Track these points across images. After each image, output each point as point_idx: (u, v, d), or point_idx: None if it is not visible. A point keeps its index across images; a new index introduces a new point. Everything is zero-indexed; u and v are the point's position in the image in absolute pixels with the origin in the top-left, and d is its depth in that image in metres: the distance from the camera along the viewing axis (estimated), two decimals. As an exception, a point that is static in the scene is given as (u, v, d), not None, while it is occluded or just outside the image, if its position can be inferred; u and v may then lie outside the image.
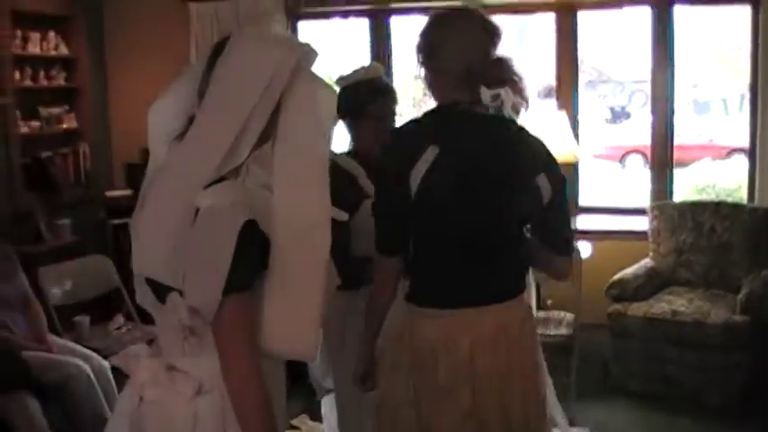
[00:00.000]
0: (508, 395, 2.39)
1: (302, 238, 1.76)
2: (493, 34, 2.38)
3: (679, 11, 5.82)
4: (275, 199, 1.76)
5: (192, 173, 1.76)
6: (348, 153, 3.13)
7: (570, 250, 2.56)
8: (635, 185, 10.41)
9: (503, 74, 2.35)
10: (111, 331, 4.86)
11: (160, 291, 1.79)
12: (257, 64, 1.78)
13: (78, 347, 4.34)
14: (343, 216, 1.92)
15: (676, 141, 5.97)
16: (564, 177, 2.48)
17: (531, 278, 3.65)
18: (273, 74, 1.77)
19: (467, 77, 2.30)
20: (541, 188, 2.36)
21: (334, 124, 1.88)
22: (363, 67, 3.17)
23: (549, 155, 2.45)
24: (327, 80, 1.99)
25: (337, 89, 3.14)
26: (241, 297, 1.70)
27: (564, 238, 2.53)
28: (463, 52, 2.33)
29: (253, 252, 1.70)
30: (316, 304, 1.80)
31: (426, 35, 2.41)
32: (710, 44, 15.53)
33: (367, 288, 2.77)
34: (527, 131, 2.42)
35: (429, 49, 2.40)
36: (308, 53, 1.87)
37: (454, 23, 2.38)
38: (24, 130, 5.68)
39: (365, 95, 3.04)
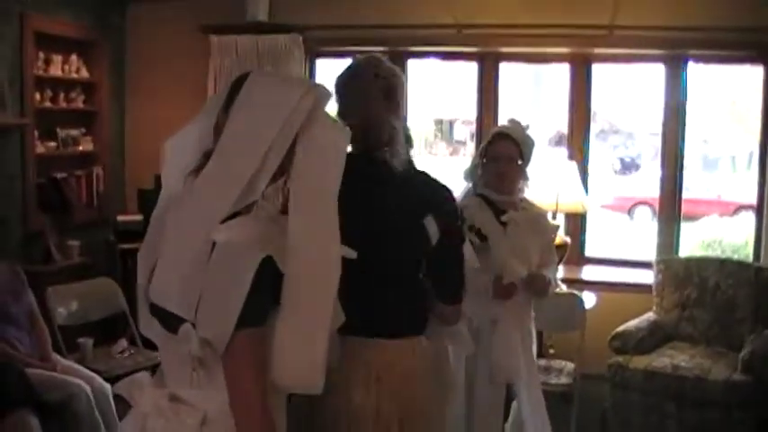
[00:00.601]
0: None
1: (314, 272, 1.80)
2: (389, 97, 2.51)
3: (692, 68, 5.89)
4: (289, 234, 1.79)
5: (210, 207, 1.80)
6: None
7: (455, 299, 2.60)
8: (642, 237, 10.44)
9: (384, 138, 2.47)
10: (115, 354, 4.88)
11: (170, 321, 1.82)
12: (276, 102, 1.83)
13: (81, 368, 4.37)
14: (352, 254, 1.96)
15: (685, 196, 6.02)
16: (459, 227, 2.57)
17: (533, 326, 3.72)
18: (291, 112, 1.81)
19: (359, 130, 2.39)
20: (428, 229, 2.43)
21: (343, 164, 1.91)
22: None
23: (445, 201, 2.55)
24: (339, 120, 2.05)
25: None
26: (254, 331, 1.74)
27: (451, 287, 2.58)
28: (354, 108, 2.48)
29: (268, 287, 1.74)
30: (323, 338, 1.82)
31: (335, 85, 2.55)
32: (722, 102, 15.64)
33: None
34: (425, 176, 2.56)
35: (336, 98, 2.53)
36: (324, 94, 1.92)
37: (354, 79, 2.53)
38: (41, 150, 5.75)
39: None
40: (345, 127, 1.99)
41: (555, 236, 3.93)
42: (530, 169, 3.72)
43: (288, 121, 1.81)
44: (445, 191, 2.58)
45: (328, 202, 1.84)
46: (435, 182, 2.56)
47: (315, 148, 1.84)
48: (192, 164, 1.89)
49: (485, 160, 3.64)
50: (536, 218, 3.72)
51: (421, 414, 2.53)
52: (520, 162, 3.62)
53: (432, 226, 2.44)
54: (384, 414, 2.43)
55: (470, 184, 3.71)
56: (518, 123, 3.71)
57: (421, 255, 2.50)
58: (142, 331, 2.04)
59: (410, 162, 2.53)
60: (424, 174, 2.58)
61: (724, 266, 5.36)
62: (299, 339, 1.79)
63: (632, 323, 5.19)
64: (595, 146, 15.61)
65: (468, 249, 3.13)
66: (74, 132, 6.09)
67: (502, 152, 3.60)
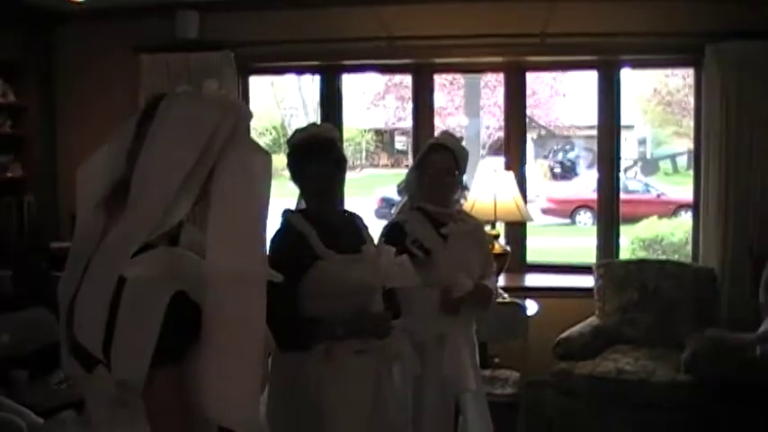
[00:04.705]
0: None
1: (235, 303, 1.69)
2: None
3: (628, 73, 5.96)
4: (208, 264, 1.70)
5: (126, 239, 1.70)
6: (300, 211, 3.11)
7: None
8: (584, 240, 10.57)
9: None
10: (51, 386, 4.73)
11: (88, 361, 1.74)
12: (193, 126, 1.74)
13: (15, 405, 4.21)
14: (278, 277, 1.89)
15: (626, 197, 6.07)
16: None
17: (475, 337, 3.69)
18: (210, 137, 1.73)
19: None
20: None
21: (269, 188, 1.82)
22: (305, 128, 3.16)
23: None
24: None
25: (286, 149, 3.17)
26: (170, 370, 1.66)
27: None
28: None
29: (182, 324, 1.66)
30: (253, 371, 1.73)
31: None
32: (660, 104, 15.94)
33: (316, 351, 2.78)
34: None
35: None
36: (245, 114, 1.82)
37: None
38: (-34, 178, 5.60)
39: (303, 156, 3.05)
40: (266, 150, 1.90)
41: (492, 245, 3.91)
42: (467, 178, 3.71)
43: (206, 146, 1.72)
44: None
45: (249, 227, 1.75)
46: None
47: (234, 173, 1.74)
48: (100, 190, 1.78)
49: (420, 173, 3.61)
50: (474, 229, 3.70)
51: None
52: (456, 173, 3.59)
53: None
54: None
55: (405, 198, 3.67)
56: (452, 135, 3.69)
57: None
58: (63, 370, 1.95)
59: None
60: None
61: (663, 268, 5.42)
62: (225, 375, 1.70)
63: (575, 329, 5.21)
64: (535, 152, 15.85)
65: (409, 267, 3.10)
66: (2, 159, 5.94)
67: (439, 164, 3.56)
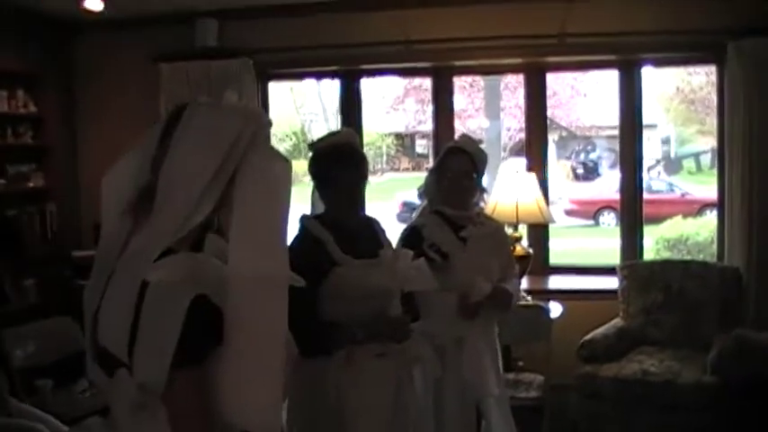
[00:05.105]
0: None
1: (257, 307, 1.72)
2: None
3: (650, 72, 5.91)
4: (230, 268, 1.72)
5: (150, 244, 1.73)
6: (317, 217, 3.10)
7: None
8: (609, 241, 10.49)
9: None
10: (76, 395, 4.75)
11: (111, 367, 1.75)
12: (215, 134, 1.77)
13: (38, 412, 4.23)
14: (300, 281, 1.89)
15: (650, 197, 6.00)
16: None
17: (497, 341, 3.67)
18: (232, 145, 1.76)
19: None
20: None
21: (290, 194, 1.84)
22: (332, 134, 3.17)
23: None
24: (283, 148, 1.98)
25: (309, 154, 3.17)
26: (191, 372, 1.67)
27: None
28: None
29: (202, 327, 1.67)
30: (275, 375, 1.74)
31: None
32: (683, 102, 15.81)
33: (337, 356, 2.77)
34: None
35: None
36: (265, 122, 1.86)
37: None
38: (-12, 188, 5.63)
39: (332, 163, 3.04)
40: (286, 157, 1.91)
41: (513, 247, 3.88)
42: (487, 181, 3.70)
43: (227, 154, 1.76)
44: None
45: (270, 233, 1.77)
46: None
47: (254, 180, 1.77)
48: (126, 198, 1.81)
49: (439, 176, 3.60)
50: (495, 232, 3.68)
51: None
52: (474, 176, 3.58)
53: None
54: None
55: (426, 202, 3.66)
56: (470, 138, 3.68)
57: None
58: (88, 376, 1.96)
59: None
60: None
61: (687, 268, 5.36)
62: (247, 378, 1.72)
63: (599, 331, 5.16)
64: (558, 152, 15.79)
65: (426, 270, 3.09)
66: (23, 168, 5.97)
67: (457, 167, 3.56)
